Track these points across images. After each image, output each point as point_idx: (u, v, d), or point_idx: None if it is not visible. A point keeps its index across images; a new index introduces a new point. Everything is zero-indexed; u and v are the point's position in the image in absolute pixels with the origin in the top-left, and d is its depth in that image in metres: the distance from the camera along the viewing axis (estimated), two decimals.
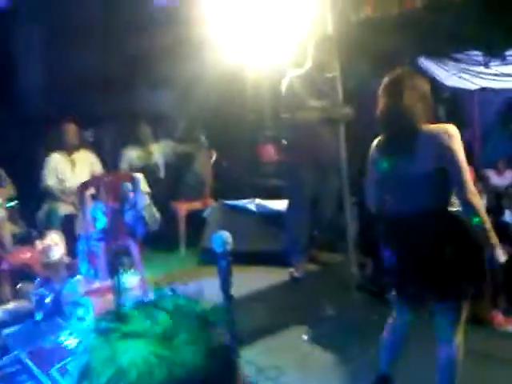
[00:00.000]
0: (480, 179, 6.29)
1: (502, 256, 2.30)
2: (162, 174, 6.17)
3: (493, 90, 7.39)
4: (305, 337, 3.49)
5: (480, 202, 2.31)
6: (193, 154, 6.26)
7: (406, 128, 2.40)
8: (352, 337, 3.30)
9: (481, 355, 3.00)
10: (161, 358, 0.62)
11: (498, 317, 3.36)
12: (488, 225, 2.29)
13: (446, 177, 2.32)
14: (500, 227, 3.61)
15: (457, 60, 7.26)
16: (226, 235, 2.39)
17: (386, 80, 2.52)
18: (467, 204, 2.29)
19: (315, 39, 4.40)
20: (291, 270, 4.49)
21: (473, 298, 2.46)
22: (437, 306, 2.42)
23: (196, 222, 5.58)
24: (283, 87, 4.40)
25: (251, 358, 3.02)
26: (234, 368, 0.70)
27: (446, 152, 2.30)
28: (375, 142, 2.58)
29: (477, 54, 7.06)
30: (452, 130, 2.34)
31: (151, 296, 0.77)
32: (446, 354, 2.42)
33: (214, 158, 6.33)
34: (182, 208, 5.82)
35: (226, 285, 2.42)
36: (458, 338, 2.42)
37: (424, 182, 2.35)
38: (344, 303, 3.80)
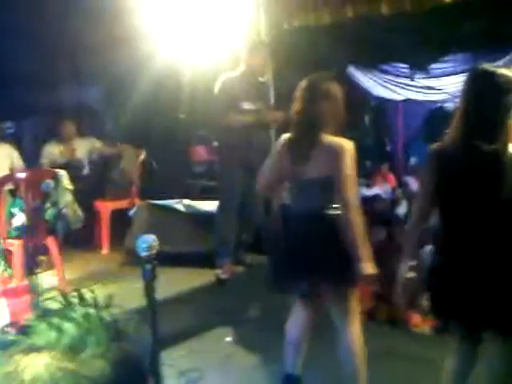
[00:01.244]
0: (400, 185, 6.58)
1: (368, 269, 2.39)
2: (85, 170, 5.97)
3: (417, 101, 7.73)
4: (228, 339, 3.47)
5: (357, 218, 2.41)
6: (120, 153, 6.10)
7: (308, 135, 2.54)
8: (275, 338, 3.31)
9: (394, 356, 3.11)
10: (67, 372, 0.60)
11: (415, 317, 3.45)
12: (360, 240, 2.39)
13: (333, 185, 2.47)
14: None
15: (383, 71, 7.53)
16: (152, 238, 2.30)
17: (302, 84, 2.61)
18: (345, 217, 2.42)
19: (249, 44, 4.42)
20: (218, 271, 4.46)
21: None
22: (329, 296, 2.55)
23: (121, 221, 5.43)
24: (216, 89, 4.38)
25: (173, 361, 2.96)
26: (144, 380, 0.67)
27: (335, 165, 2.45)
28: (285, 136, 2.67)
29: (403, 67, 7.37)
30: (347, 145, 2.48)
31: (64, 302, 0.73)
32: (345, 343, 2.51)
33: (142, 156, 6.20)
34: (107, 206, 5.65)
35: (149, 289, 2.34)
36: (355, 329, 2.51)
37: (314, 187, 2.53)
38: (268, 305, 3.81)
